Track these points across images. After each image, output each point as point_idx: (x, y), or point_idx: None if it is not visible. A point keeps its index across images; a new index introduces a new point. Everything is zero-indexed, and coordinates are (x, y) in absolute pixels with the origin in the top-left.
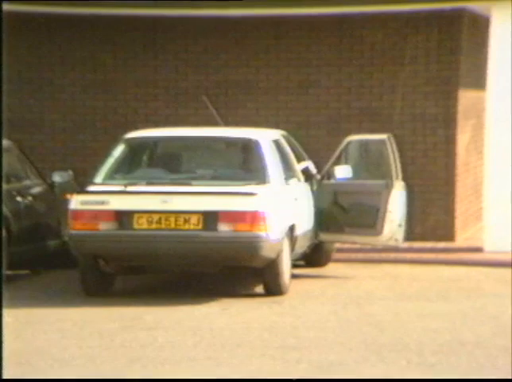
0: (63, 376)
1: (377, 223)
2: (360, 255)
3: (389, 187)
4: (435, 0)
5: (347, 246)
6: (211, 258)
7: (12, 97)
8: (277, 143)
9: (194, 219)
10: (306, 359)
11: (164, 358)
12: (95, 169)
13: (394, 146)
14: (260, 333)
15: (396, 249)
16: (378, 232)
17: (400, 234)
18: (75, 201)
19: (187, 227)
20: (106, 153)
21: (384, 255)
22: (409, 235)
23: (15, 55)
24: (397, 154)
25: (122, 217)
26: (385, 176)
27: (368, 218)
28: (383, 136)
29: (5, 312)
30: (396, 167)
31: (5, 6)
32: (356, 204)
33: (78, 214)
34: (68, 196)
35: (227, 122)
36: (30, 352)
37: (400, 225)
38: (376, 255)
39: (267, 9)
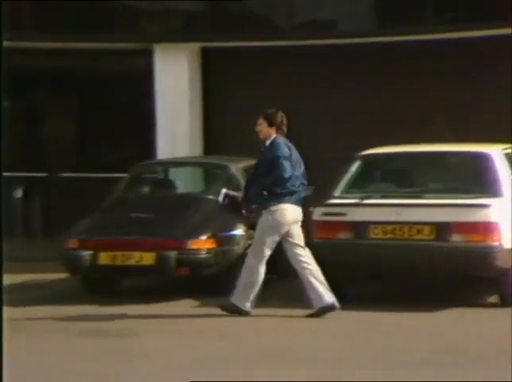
0: None
1: None
2: None
3: None
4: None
5: None
6: (444, 267)
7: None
8: (508, 157)
9: (426, 230)
10: None
11: (402, 361)
12: (335, 184)
13: None
14: (495, 343)
15: None
16: None
17: None
18: (318, 213)
19: (419, 237)
20: (344, 170)
21: None
22: None
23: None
24: None
25: (359, 228)
26: None
27: None
28: None
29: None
30: None
31: None
32: None
33: (320, 224)
34: (311, 208)
35: (458, 140)
36: None
37: None
38: None
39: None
